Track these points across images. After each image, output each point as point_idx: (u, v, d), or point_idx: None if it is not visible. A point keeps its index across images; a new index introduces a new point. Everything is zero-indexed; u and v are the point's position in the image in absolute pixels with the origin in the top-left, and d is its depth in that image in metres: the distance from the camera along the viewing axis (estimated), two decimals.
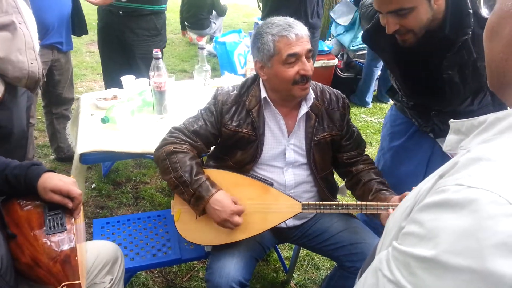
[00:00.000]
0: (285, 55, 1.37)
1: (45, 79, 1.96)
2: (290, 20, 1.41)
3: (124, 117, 1.97)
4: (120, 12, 2.67)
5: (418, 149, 1.73)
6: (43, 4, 2.27)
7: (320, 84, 1.61)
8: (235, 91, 1.54)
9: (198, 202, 1.39)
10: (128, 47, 2.80)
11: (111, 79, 2.86)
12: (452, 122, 0.68)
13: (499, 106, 1.53)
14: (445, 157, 1.66)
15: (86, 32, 2.86)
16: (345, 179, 1.67)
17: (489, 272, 0.44)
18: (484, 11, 0.61)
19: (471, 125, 0.62)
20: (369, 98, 4.32)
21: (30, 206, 1.18)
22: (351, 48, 4.32)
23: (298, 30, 1.38)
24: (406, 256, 0.52)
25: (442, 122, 1.57)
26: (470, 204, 0.47)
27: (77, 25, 2.67)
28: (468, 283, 0.45)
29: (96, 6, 2.75)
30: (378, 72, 4.25)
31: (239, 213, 1.39)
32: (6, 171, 1.17)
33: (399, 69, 1.55)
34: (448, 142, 0.69)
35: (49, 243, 1.11)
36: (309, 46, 1.40)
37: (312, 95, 1.50)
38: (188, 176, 1.39)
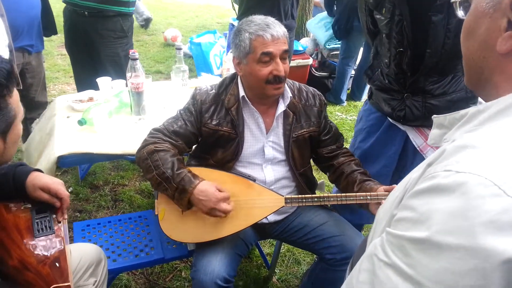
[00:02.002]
0: (259, 54, 1.40)
1: (20, 87, 1.92)
2: (269, 20, 1.45)
3: (101, 119, 1.95)
4: (86, 13, 2.63)
5: (391, 143, 1.79)
6: (11, 6, 2.22)
7: (297, 82, 1.65)
8: (214, 90, 1.56)
9: (182, 195, 1.39)
10: (94, 49, 2.76)
11: (83, 82, 2.83)
12: (435, 117, 0.72)
13: (471, 92, 1.60)
14: (415, 153, 1.74)
15: (55, 32, 2.81)
16: (328, 174, 1.71)
17: (480, 248, 0.46)
18: (460, 13, 0.65)
19: (453, 119, 0.66)
20: (343, 96, 4.41)
21: (16, 209, 1.17)
22: (327, 46, 4.41)
23: (275, 31, 1.41)
24: (401, 239, 0.54)
25: (414, 105, 1.62)
26: (459, 187, 0.50)
27: (46, 26, 2.62)
28: (461, 260, 0.48)
29: (63, 7, 2.70)
30: (351, 71, 4.36)
31: (225, 200, 1.40)
32: None
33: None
34: (432, 136, 0.73)
35: (37, 245, 1.11)
36: (285, 47, 1.43)
37: (289, 93, 1.54)
38: (170, 172, 1.40)
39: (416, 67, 1.56)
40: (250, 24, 1.43)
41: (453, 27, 1.43)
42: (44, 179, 1.20)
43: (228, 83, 1.57)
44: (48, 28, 2.67)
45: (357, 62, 4.41)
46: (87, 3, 2.58)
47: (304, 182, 1.63)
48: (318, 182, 1.81)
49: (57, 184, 1.22)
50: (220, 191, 1.41)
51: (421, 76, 1.58)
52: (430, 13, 1.43)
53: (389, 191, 1.40)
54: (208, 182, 1.41)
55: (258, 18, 1.45)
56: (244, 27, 1.44)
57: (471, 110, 0.62)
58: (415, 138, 1.72)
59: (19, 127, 1.02)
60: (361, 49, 4.29)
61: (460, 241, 0.48)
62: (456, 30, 1.42)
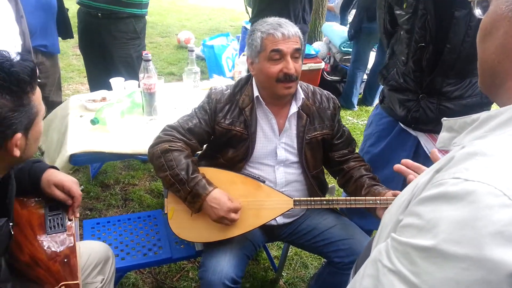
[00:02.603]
0: (269, 51, 1.42)
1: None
2: (282, 20, 1.46)
3: (113, 119, 1.98)
4: (99, 14, 2.66)
5: (401, 148, 1.78)
6: (26, 6, 2.27)
7: (311, 85, 1.65)
8: (229, 90, 1.57)
9: (195, 199, 1.41)
10: (107, 50, 2.79)
11: (96, 82, 2.86)
12: (445, 120, 0.70)
13: (486, 98, 1.59)
14: (427, 159, 1.72)
15: (71, 36, 2.87)
16: (337, 177, 1.70)
17: (486, 259, 0.45)
18: (477, 12, 0.64)
19: (464, 123, 0.65)
20: (354, 101, 4.39)
21: (30, 206, 1.19)
22: (342, 49, 4.40)
23: (286, 30, 1.42)
24: (406, 246, 0.53)
25: (428, 107, 1.61)
26: (468, 195, 0.48)
27: (62, 29, 2.67)
28: (466, 270, 0.47)
29: (77, 9, 2.75)
30: (362, 76, 4.34)
31: (235, 211, 1.42)
32: None
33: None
34: (441, 139, 0.72)
35: (49, 242, 1.12)
36: (296, 46, 1.44)
37: (301, 95, 1.54)
38: (184, 174, 1.41)
39: (435, 65, 1.55)
40: (263, 24, 1.46)
41: (474, 25, 1.42)
42: (59, 176, 1.23)
43: (244, 84, 1.58)
44: (64, 31, 2.72)
45: (370, 66, 4.40)
46: (100, 5, 2.62)
47: (316, 185, 1.63)
48: (329, 186, 1.80)
49: (71, 182, 1.24)
50: (231, 201, 1.42)
51: (438, 76, 1.56)
52: (454, 9, 1.42)
53: (395, 196, 1.39)
54: (221, 191, 1.43)
55: (272, 19, 1.47)
56: (257, 27, 1.47)
57: (482, 115, 0.61)
58: (426, 143, 1.70)
59: (40, 125, 1.04)
60: (373, 54, 4.27)
61: (466, 251, 0.47)
62: (476, 29, 1.40)
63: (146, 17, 2.91)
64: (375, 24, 3.85)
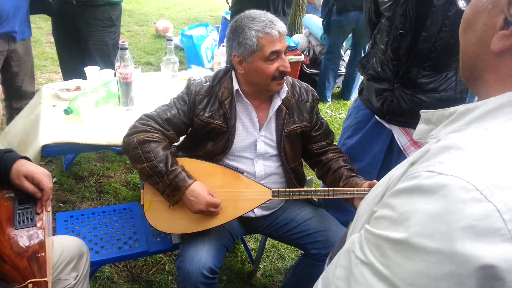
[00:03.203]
0: (268, 52, 1.38)
1: None
2: (270, 16, 1.42)
3: (88, 109, 1.92)
4: (74, 1, 2.59)
5: (376, 141, 1.80)
6: None
7: (290, 77, 1.64)
8: (208, 83, 1.55)
9: (174, 192, 1.39)
10: (81, 37, 2.73)
11: (69, 71, 2.79)
12: (423, 112, 0.70)
13: (460, 93, 1.62)
14: (400, 153, 1.75)
15: (52, 13, 2.72)
16: (316, 169, 1.71)
17: (457, 254, 0.45)
18: (461, 3, 0.64)
19: (441, 116, 0.65)
20: (327, 93, 4.39)
21: None
22: (324, 39, 4.40)
23: (280, 27, 1.40)
24: (378, 238, 0.53)
25: (402, 97, 1.63)
26: (441, 189, 0.48)
27: (41, 5, 2.54)
28: (437, 264, 0.47)
29: None
30: (336, 68, 4.33)
31: (215, 206, 1.41)
32: None
33: None
34: (418, 131, 0.72)
35: (17, 238, 1.07)
36: (287, 43, 1.44)
37: (285, 88, 1.53)
38: (163, 166, 1.39)
39: (411, 54, 1.56)
40: (253, 21, 1.39)
41: (452, 16, 1.44)
42: (30, 168, 1.17)
43: (222, 76, 1.56)
44: (45, 8, 2.58)
45: (347, 60, 4.43)
46: None
47: (294, 178, 1.63)
48: (307, 179, 1.81)
49: (42, 174, 1.18)
50: (212, 195, 1.41)
51: (414, 67, 1.58)
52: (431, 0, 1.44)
53: (371, 186, 1.42)
54: (201, 184, 1.41)
55: (259, 14, 1.41)
56: (247, 24, 1.39)
57: (459, 108, 0.61)
58: (400, 137, 1.73)
59: None
60: (345, 46, 4.28)
61: (437, 245, 0.47)
62: (454, 20, 1.43)
63: (122, 4, 2.84)
64: (344, 18, 3.89)
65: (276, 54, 1.40)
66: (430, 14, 1.47)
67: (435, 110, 0.67)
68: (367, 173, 1.75)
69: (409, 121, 1.66)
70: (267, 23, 1.38)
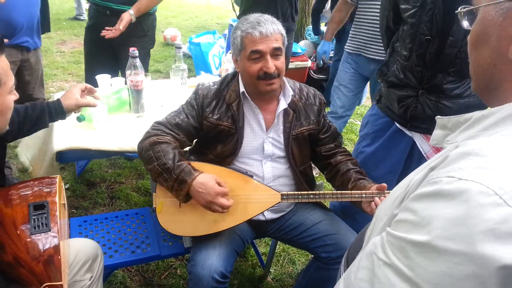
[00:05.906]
0: (248, 51, 1.44)
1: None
2: (263, 17, 1.46)
3: (100, 116, 1.96)
4: (107, 12, 2.64)
5: (395, 149, 1.79)
6: (11, 3, 2.22)
7: (298, 82, 1.68)
8: (216, 86, 1.59)
9: (181, 185, 1.40)
10: (114, 48, 2.76)
11: (94, 80, 2.82)
12: (438, 118, 0.73)
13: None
14: (420, 160, 1.73)
15: (48, 30, 2.83)
16: (325, 172, 1.73)
17: (478, 255, 0.47)
18: (465, 24, 0.66)
19: (457, 122, 0.67)
20: None
21: (14, 205, 1.17)
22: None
23: (265, 28, 1.42)
24: (401, 241, 0.55)
25: (427, 104, 1.62)
26: (461, 194, 0.50)
27: (42, 23, 2.62)
28: (460, 265, 0.49)
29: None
30: None
31: (223, 194, 1.40)
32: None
33: None
34: (434, 137, 0.74)
35: (33, 242, 1.10)
36: (276, 45, 1.44)
37: (290, 92, 1.56)
38: (171, 163, 1.41)
39: (437, 60, 1.56)
40: (243, 22, 1.47)
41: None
42: (73, 100, 1.53)
43: (230, 80, 1.60)
44: (43, 25, 2.67)
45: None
46: (108, 4, 2.60)
47: (304, 181, 1.65)
48: (317, 183, 1.82)
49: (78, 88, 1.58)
50: (220, 185, 1.41)
51: (439, 72, 1.57)
52: (460, 4, 1.45)
53: (379, 189, 1.43)
54: (208, 175, 1.42)
55: (253, 16, 1.48)
56: (238, 25, 1.49)
57: (475, 114, 0.63)
58: (422, 144, 1.71)
59: (7, 98, 0.97)
60: None
61: (459, 247, 0.49)
62: None
63: (155, 14, 2.85)
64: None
65: (259, 54, 1.43)
66: (456, 19, 1.48)
67: (451, 116, 0.69)
68: (387, 181, 1.71)
69: (432, 128, 1.64)
70: (253, 24, 1.44)
